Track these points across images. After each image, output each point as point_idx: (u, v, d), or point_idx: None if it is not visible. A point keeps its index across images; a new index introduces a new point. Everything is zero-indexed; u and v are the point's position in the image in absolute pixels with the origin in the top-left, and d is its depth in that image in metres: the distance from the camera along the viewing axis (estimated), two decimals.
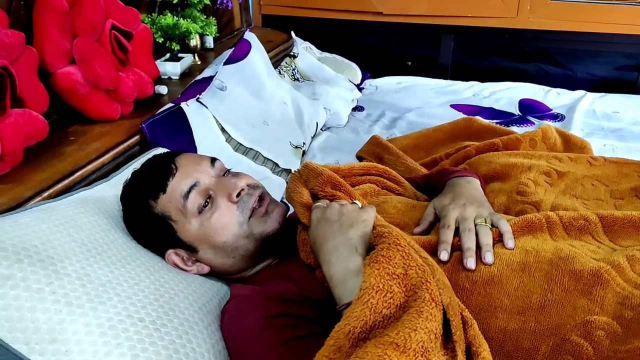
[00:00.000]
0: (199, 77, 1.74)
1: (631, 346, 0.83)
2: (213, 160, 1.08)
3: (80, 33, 1.36)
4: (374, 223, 0.92)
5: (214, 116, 1.57)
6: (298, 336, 0.86)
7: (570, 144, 1.65)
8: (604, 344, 0.85)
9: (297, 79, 2.43)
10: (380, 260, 0.80)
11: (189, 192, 1.00)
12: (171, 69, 1.88)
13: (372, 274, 0.78)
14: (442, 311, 0.77)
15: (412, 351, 0.69)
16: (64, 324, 0.80)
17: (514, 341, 0.89)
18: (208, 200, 1.01)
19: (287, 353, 0.84)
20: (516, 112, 2.29)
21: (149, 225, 1.03)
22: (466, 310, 0.84)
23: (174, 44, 1.86)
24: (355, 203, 0.97)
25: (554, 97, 2.45)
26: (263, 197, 1.06)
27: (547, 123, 1.81)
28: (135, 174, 1.09)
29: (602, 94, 2.47)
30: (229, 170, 1.10)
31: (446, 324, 0.78)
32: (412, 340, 0.70)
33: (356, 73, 2.74)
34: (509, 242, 0.96)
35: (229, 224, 1.01)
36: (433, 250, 0.97)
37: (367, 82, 2.77)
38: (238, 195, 1.02)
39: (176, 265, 1.04)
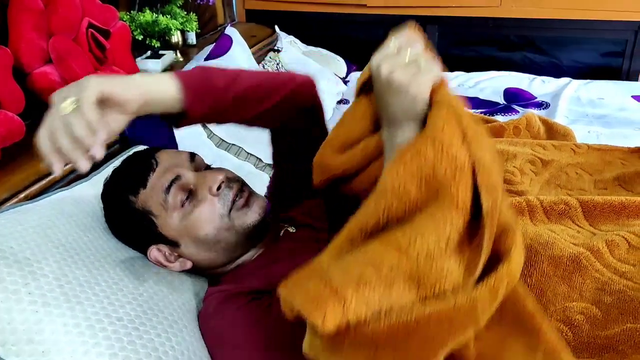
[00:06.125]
0: None
1: (611, 332, 0.83)
2: (192, 155, 1.08)
3: (57, 32, 1.35)
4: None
5: None
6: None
7: (554, 132, 1.65)
8: (583, 328, 0.85)
9: None
10: (404, 160, 0.72)
11: (170, 186, 1.00)
12: (152, 66, 1.87)
13: (390, 174, 0.72)
14: (468, 214, 0.71)
15: (415, 254, 0.66)
16: (41, 324, 0.79)
17: None
18: (189, 194, 1.01)
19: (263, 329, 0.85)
20: (501, 101, 2.29)
21: (130, 222, 1.02)
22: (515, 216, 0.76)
23: (154, 41, 1.85)
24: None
25: (539, 85, 2.45)
26: (243, 189, 1.06)
27: (531, 111, 1.81)
28: (115, 171, 1.08)
29: (587, 80, 2.47)
30: (209, 165, 1.10)
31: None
32: (417, 244, 0.66)
33: (341, 66, 2.74)
34: None
35: (210, 217, 1.00)
36: None
37: (353, 75, 2.77)
38: (219, 188, 1.01)
39: (158, 262, 1.03)
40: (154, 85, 0.86)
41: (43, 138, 0.74)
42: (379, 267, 0.65)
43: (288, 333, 0.77)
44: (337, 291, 0.63)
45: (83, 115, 0.72)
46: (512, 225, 0.73)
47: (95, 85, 0.76)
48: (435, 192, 0.71)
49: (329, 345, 0.66)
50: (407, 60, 0.76)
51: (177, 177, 1.01)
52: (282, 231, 1.14)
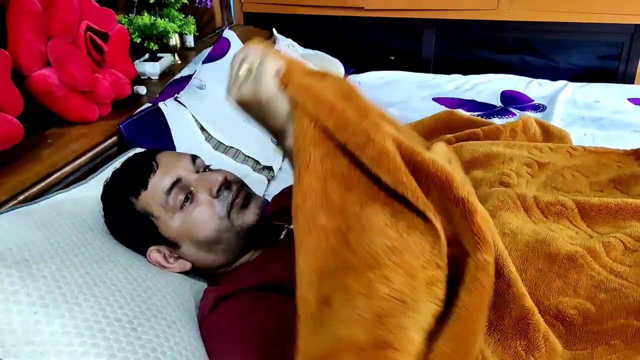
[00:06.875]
0: (177, 76, 1.73)
1: (604, 327, 0.84)
2: (194, 157, 1.09)
3: (55, 35, 1.36)
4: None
5: (193, 115, 1.57)
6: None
7: (550, 134, 1.66)
8: (576, 322, 0.85)
9: None
10: (295, 207, 0.69)
11: (171, 188, 1.01)
12: (150, 69, 1.87)
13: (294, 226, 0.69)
14: (385, 200, 0.68)
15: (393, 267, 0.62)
16: (40, 326, 0.79)
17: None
18: (189, 195, 1.02)
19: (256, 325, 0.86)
20: (498, 103, 2.30)
21: (130, 223, 1.03)
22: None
23: (152, 43, 1.86)
24: None
25: (535, 88, 2.46)
26: (242, 190, 1.07)
27: (528, 114, 1.81)
28: (115, 172, 1.09)
29: (583, 83, 2.48)
30: (208, 166, 1.11)
31: None
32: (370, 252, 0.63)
33: (339, 69, 2.74)
34: None
35: (210, 219, 1.01)
36: None
37: (351, 77, 2.77)
38: (219, 190, 1.03)
39: (158, 263, 1.04)
40: None
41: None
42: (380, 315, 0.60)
43: (280, 326, 0.77)
44: (383, 344, 0.59)
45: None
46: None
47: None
48: (342, 216, 0.67)
49: None
50: (242, 75, 0.77)
51: (178, 179, 1.02)
52: (284, 231, 1.15)
